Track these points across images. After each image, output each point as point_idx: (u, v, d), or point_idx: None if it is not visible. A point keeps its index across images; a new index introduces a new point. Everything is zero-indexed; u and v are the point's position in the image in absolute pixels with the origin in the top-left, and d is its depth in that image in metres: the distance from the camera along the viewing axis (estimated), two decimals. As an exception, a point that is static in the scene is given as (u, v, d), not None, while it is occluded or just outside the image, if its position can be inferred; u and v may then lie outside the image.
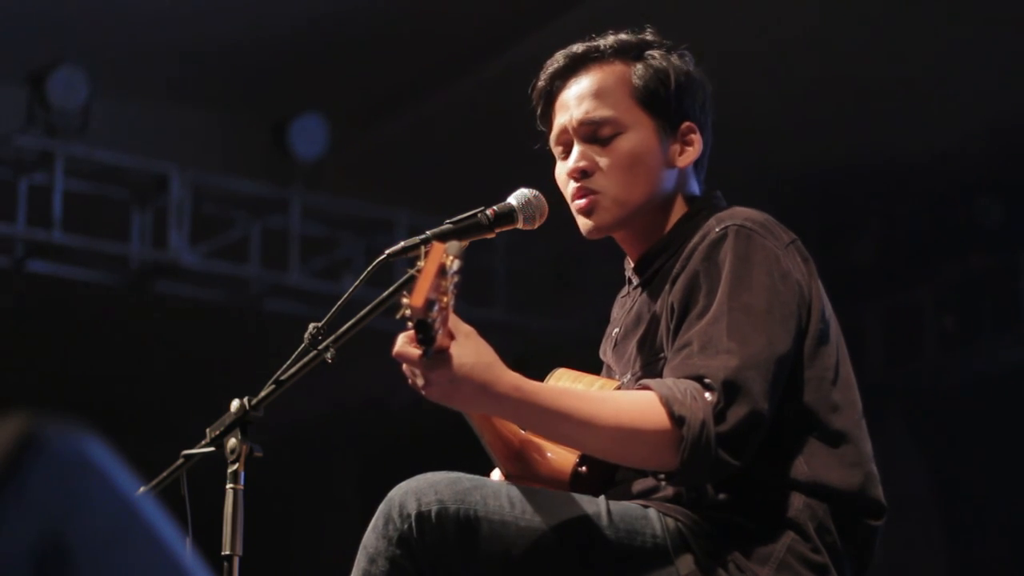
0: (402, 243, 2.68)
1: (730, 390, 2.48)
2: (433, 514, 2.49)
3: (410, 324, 2.28)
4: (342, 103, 7.89)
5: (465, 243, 2.55)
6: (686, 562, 2.55)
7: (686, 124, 2.82)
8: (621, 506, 2.59)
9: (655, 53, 2.83)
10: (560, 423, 2.48)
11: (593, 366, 2.93)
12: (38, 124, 7.41)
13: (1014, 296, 7.66)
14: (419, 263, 2.33)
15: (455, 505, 2.50)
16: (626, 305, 2.89)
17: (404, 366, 2.40)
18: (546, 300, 8.54)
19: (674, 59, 2.83)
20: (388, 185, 8.14)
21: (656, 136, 2.79)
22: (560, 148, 2.85)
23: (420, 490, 2.51)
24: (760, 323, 2.55)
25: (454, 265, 2.28)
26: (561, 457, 2.68)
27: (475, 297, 8.01)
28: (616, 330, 2.88)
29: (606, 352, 2.93)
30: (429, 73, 7.72)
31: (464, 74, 7.65)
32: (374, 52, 7.56)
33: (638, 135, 2.78)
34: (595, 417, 2.47)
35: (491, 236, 2.75)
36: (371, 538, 2.52)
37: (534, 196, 2.76)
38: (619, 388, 2.75)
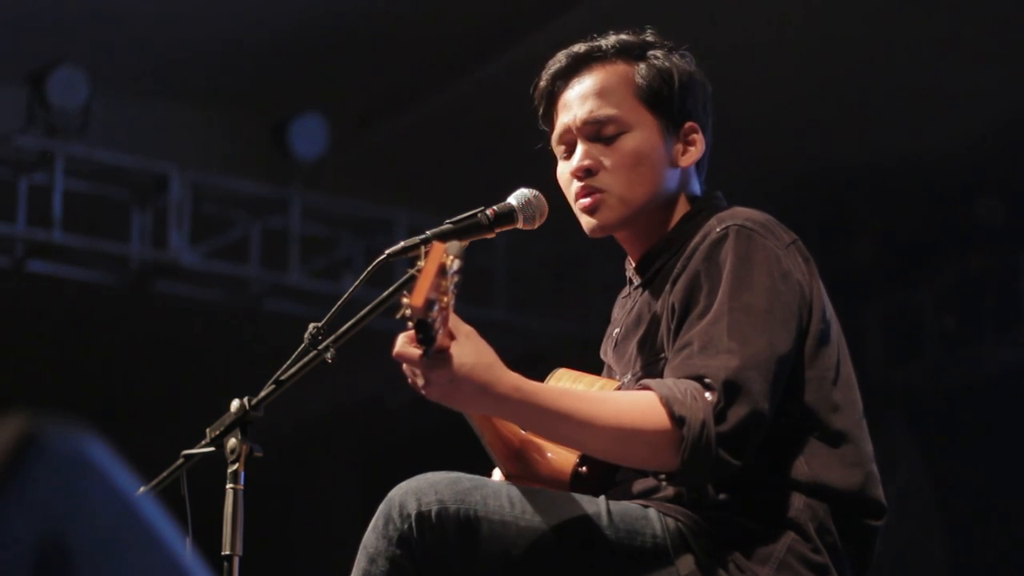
0: (402, 243, 2.68)
1: (730, 390, 2.48)
2: (433, 514, 2.49)
3: (410, 324, 2.28)
4: (342, 103, 7.89)
5: (465, 243, 2.55)
6: (686, 562, 2.55)
7: (689, 124, 2.83)
8: (621, 506, 2.59)
9: (657, 53, 2.83)
10: (560, 423, 2.48)
11: (593, 366, 2.93)
12: (38, 124, 7.41)
13: (1014, 296, 7.65)
14: (419, 263, 2.33)
15: (455, 505, 2.50)
16: (627, 305, 2.89)
17: (404, 366, 2.40)
18: (546, 300, 8.54)
19: (676, 59, 2.84)
20: (388, 185, 8.14)
21: (660, 135, 2.80)
22: (563, 148, 2.85)
23: (420, 490, 2.51)
24: (761, 323, 2.55)
25: (454, 265, 2.28)
26: (561, 457, 2.68)
27: (475, 297, 8.01)
28: (617, 330, 2.88)
29: (606, 352, 2.93)
30: (429, 73, 7.72)
31: (464, 74, 7.65)
32: (374, 52, 7.56)
33: (642, 134, 2.79)
34: (595, 417, 2.47)
35: (491, 236, 2.75)
36: (371, 538, 2.52)
37: (534, 196, 2.76)
38: (619, 388, 2.76)
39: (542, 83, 2.88)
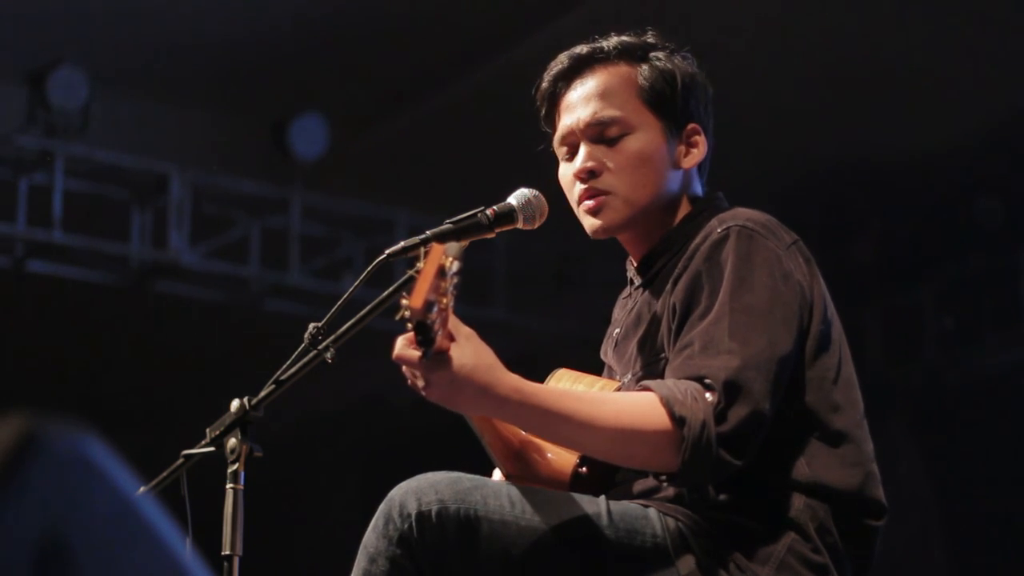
0: (402, 243, 2.68)
1: (731, 390, 2.48)
2: (433, 514, 2.49)
3: (409, 326, 2.28)
4: (342, 103, 7.89)
5: (465, 243, 2.55)
6: (686, 562, 2.55)
7: (691, 126, 2.83)
8: (621, 506, 2.59)
9: (659, 55, 2.83)
10: (561, 425, 2.48)
11: (593, 366, 2.93)
12: (38, 124, 7.41)
13: (1014, 296, 7.65)
14: (418, 264, 2.33)
15: (455, 505, 2.50)
16: (627, 305, 2.89)
17: (404, 368, 2.40)
18: (546, 300, 8.54)
19: (678, 61, 2.84)
20: (388, 185, 8.14)
21: (662, 137, 2.80)
22: (565, 149, 2.85)
23: (420, 490, 2.51)
24: (762, 324, 2.55)
25: (453, 266, 2.28)
26: (561, 458, 2.68)
27: (475, 297, 8.01)
28: (617, 330, 2.88)
29: (607, 352, 2.93)
30: (429, 73, 7.72)
31: (464, 74, 7.65)
32: (374, 52, 7.56)
33: (646, 135, 2.79)
34: (596, 418, 2.47)
35: (491, 236, 2.75)
36: (371, 538, 2.52)
37: (534, 196, 2.76)
38: (620, 389, 2.76)
39: (544, 84, 2.87)
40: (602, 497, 2.61)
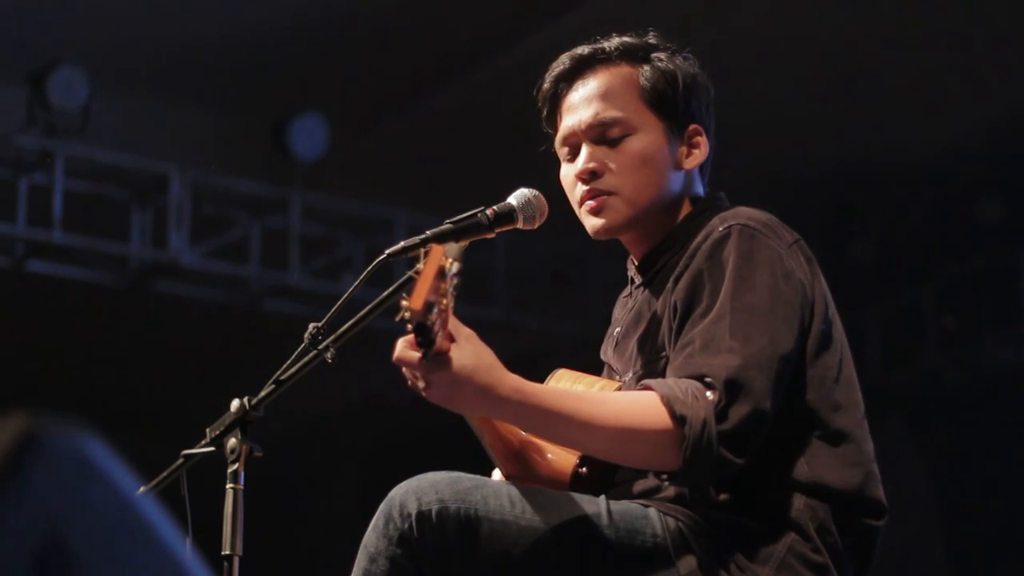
0: (402, 243, 2.68)
1: (732, 389, 2.48)
2: (434, 513, 2.49)
3: (409, 327, 2.28)
4: (342, 103, 7.89)
5: (465, 244, 2.55)
6: (687, 562, 2.55)
7: (693, 126, 2.83)
8: (621, 506, 2.59)
9: (661, 55, 2.83)
10: (561, 425, 2.48)
11: (593, 366, 2.93)
12: (38, 124, 7.41)
13: (1014, 296, 7.65)
14: (418, 265, 2.33)
15: (456, 504, 2.50)
16: (627, 305, 2.89)
17: (404, 370, 2.40)
18: (546, 300, 8.54)
19: (679, 61, 2.84)
20: (388, 185, 8.14)
21: (664, 137, 2.80)
22: (567, 150, 2.84)
23: (421, 489, 2.51)
24: (763, 322, 2.55)
25: (453, 267, 2.28)
26: (561, 458, 2.68)
27: (475, 297, 8.01)
28: (617, 330, 2.88)
29: (607, 352, 2.93)
30: (429, 73, 7.72)
31: (464, 74, 7.65)
32: (374, 52, 7.56)
33: (648, 136, 2.79)
34: (596, 418, 2.47)
35: (491, 236, 2.75)
36: (372, 537, 2.52)
37: (534, 196, 2.75)
38: (620, 388, 2.76)
39: (545, 85, 2.87)
40: (602, 497, 2.61)
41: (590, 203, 2.78)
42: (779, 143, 7.58)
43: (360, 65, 7.67)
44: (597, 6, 6.65)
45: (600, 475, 2.69)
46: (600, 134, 2.79)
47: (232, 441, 2.67)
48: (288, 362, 2.69)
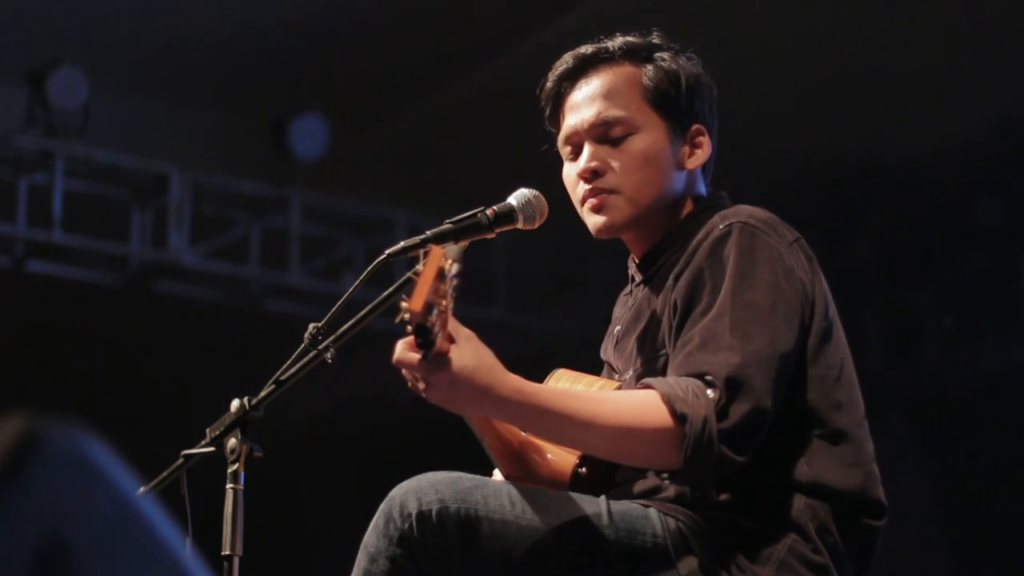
0: (402, 243, 2.68)
1: (732, 387, 2.48)
2: (434, 513, 2.49)
3: (409, 328, 2.28)
4: (342, 103, 7.89)
5: (465, 244, 2.56)
6: (687, 562, 2.55)
7: (695, 126, 2.83)
8: (622, 506, 2.59)
9: (664, 55, 2.83)
10: (562, 424, 2.48)
11: (593, 366, 2.93)
12: (38, 124, 7.41)
13: (1014, 296, 7.65)
14: (417, 266, 2.33)
15: (456, 504, 2.50)
16: (628, 303, 2.89)
17: (404, 371, 2.40)
18: (546, 300, 8.54)
19: (683, 61, 2.84)
20: (388, 185, 8.14)
21: (667, 137, 2.80)
22: (569, 149, 2.85)
23: (421, 489, 2.51)
24: (763, 320, 2.55)
25: (452, 269, 2.28)
26: (561, 458, 2.68)
27: (475, 297, 8.01)
28: (618, 328, 2.88)
29: (607, 350, 2.93)
30: (429, 73, 7.72)
31: (465, 73, 7.65)
32: (374, 52, 7.56)
33: (650, 136, 2.79)
34: (597, 417, 2.47)
35: (491, 236, 2.74)
36: (372, 537, 2.52)
37: (534, 196, 2.75)
38: (620, 387, 2.76)
39: (548, 84, 2.87)
40: (602, 497, 2.61)
41: (592, 201, 2.78)
42: (779, 143, 7.58)
43: (360, 65, 7.67)
44: (597, 6, 6.65)
45: (600, 475, 2.69)
46: (602, 133, 2.79)
47: (232, 441, 2.67)
48: (288, 362, 2.69)
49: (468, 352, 2.38)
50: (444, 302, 2.27)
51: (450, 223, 2.70)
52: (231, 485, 2.66)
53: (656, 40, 2.86)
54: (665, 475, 2.55)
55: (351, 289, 2.71)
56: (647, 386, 2.52)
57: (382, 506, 2.53)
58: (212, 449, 2.70)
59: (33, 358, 8.61)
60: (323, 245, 8.15)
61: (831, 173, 7.90)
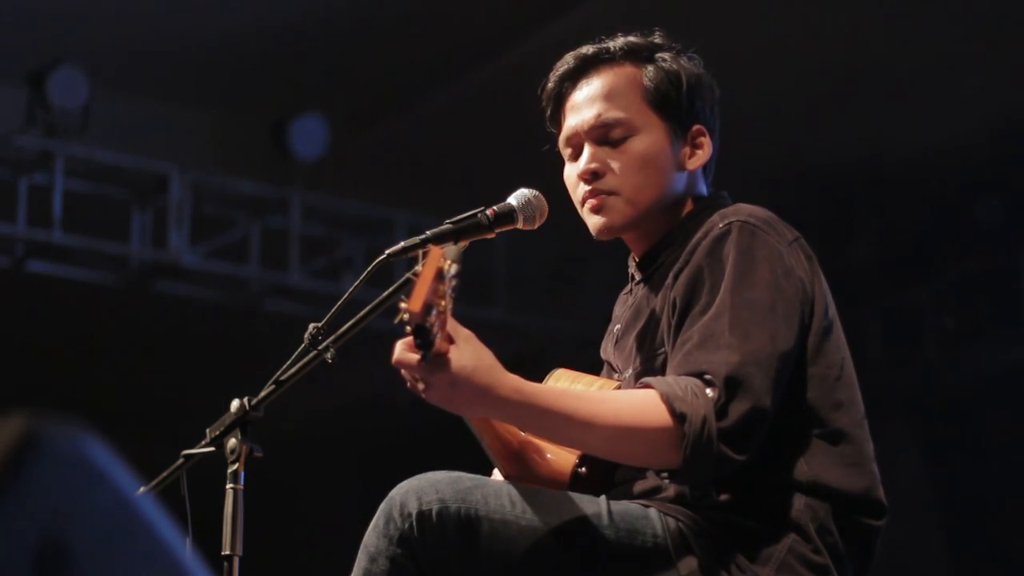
0: (402, 243, 2.69)
1: (731, 386, 2.48)
2: (434, 513, 2.49)
3: (408, 329, 2.28)
4: (342, 103, 7.89)
5: (464, 244, 2.56)
6: (687, 562, 2.55)
7: (696, 127, 2.83)
8: (622, 506, 2.59)
9: (665, 55, 2.83)
10: (562, 424, 2.48)
11: (593, 366, 2.93)
12: (38, 124, 7.41)
13: (1014, 296, 7.65)
14: (417, 267, 2.33)
15: (456, 504, 2.50)
16: (628, 301, 2.89)
17: (403, 372, 2.40)
18: (546, 300, 8.54)
19: (684, 62, 2.84)
20: (388, 185, 8.14)
21: (667, 138, 2.80)
22: (570, 150, 2.85)
23: (421, 489, 2.51)
24: (763, 319, 2.55)
25: (452, 269, 2.28)
26: (561, 458, 2.68)
27: (475, 297, 8.01)
28: (618, 327, 2.88)
29: (607, 349, 2.93)
30: (429, 73, 7.72)
31: (464, 74, 7.65)
32: (374, 52, 7.56)
33: (650, 137, 2.79)
34: (596, 417, 2.47)
35: (491, 236, 2.75)
36: (372, 537, 2.52)
37: (534, 196, 2.76)
38: (620, 386, 2.76)
39: (549, 85, 2.87)
40: (602, 497, 2.61)
41: (591, 202, 2.78)
42: (779, 142, 7.58)
43: (360, 65, 7.67)
44: (598, 7, 6.65)
45: (600, 475, 2.69)
46: (603, 135, 2.79)
47: (232, 441, 2.67)
48: (288, 362, 2.69)
49: (467, 352, 2.38)
50: (443, 302, 2.27)
51: (450, 223, 2.70)
52: (231, 485, 2.66)
53: (658, 40, 2.86)
54: (665, 474, 2.55)
55: (351, 289, 2.71)
56: (646, 385, 2.52)
57: (382, 506, 2.53)
58: (212, 449, 2.71)
59: (33, 358, 8.61)
60: (323, 245, 8.15)
61: (831, 173, 7.90)
